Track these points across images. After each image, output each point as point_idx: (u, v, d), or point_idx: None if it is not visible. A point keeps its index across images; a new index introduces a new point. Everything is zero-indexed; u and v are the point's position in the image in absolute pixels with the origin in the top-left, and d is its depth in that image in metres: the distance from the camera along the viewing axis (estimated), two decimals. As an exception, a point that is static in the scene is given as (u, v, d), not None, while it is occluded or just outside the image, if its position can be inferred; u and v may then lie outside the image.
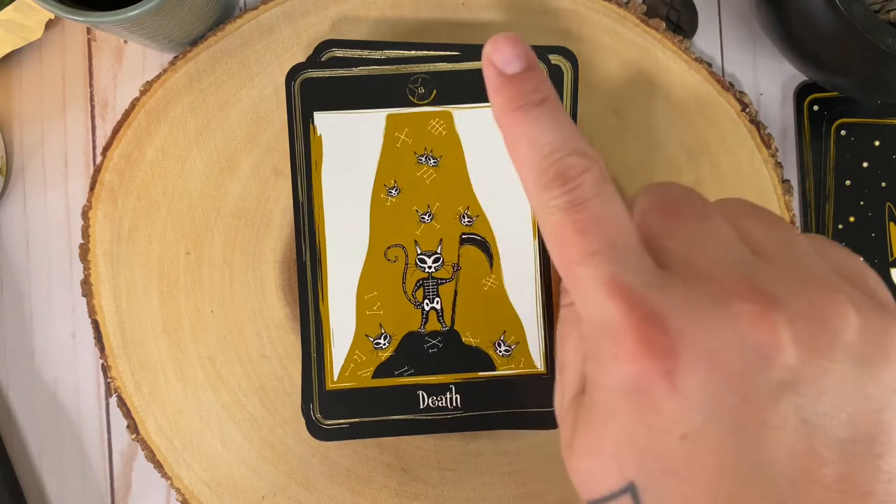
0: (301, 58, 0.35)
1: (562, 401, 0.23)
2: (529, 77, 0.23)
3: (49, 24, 0.38)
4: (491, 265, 0.34)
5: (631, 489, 0.20)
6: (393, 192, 0.34)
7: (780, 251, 0.21)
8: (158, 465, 0.35)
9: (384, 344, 0.33)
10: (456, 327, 0.33)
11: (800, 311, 0.19)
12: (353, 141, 0.33)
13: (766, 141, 0.35)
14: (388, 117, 0.34)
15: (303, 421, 0.34)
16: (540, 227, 0.22)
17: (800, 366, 0.19)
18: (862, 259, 0.23)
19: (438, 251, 0.34)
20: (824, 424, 0.19)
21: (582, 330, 0.22)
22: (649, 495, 0.20)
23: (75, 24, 0.37)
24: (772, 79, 0.39)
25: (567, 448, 0.22)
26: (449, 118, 0.34)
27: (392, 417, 0.33)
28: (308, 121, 0.33)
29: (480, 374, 0.33)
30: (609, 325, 0.20)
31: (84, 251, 0.35)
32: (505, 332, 0.33)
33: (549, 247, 0.21)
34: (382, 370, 0.33)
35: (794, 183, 0.39)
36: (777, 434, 0.19)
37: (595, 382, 0.21)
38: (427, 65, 0.33)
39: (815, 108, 0.39)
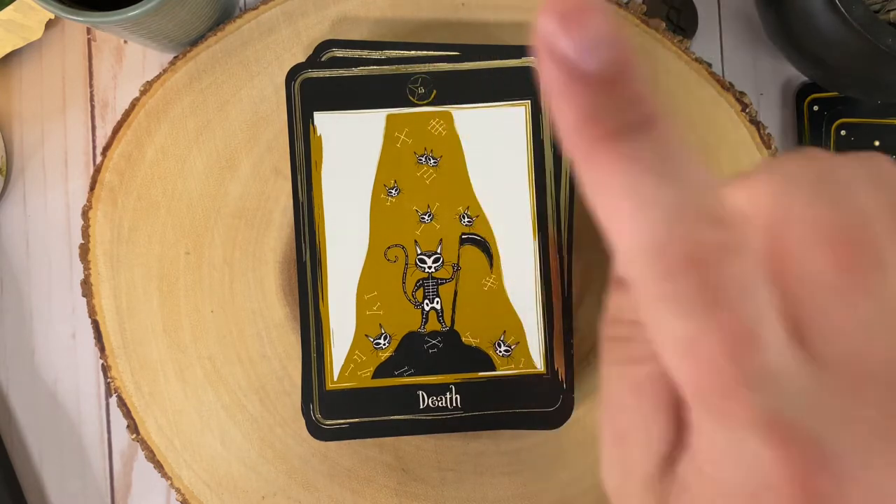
0: (301, 58, 0.35)
1: (624, 474, 0.18)
2: (626, 79, 0.14)
3: (49, 24, 0.38)
4: (491, 265, 0.34)
5: None
6: (393, 192, 0.34)
7: None
8: (158, 465, 0.35)
9: (384, 344, 0.33)
10: (456, 327, 0.33)
11: None
12: (353, 141, 0.33)
13: (766, 141, 0.35)
14: (388, 117, 0.34)
15: (303, 421, 0.34)
16: (646, 321, 0.15)
17: None
18: None
19: (438, 251, 0.34)
20: None
21: (707, 446, 0.16)
22: None
23: (75, 24, 0.37)
24: (772, 79, 0.39)
25: None
26: (449, 118, 0.34)
27: (392, 417, 0.33)
28: (308, 121, 0.33)
29: (480, 374, 0.33)
30: (767, 471, 0.15)
31: (84, 251, 0.35)
32: (505, 332, 0.33)
33: (665, 356, 0.15)
34: (382, 370, 0.33)
35: (794, 183, 0.39)
36: None
37: None
38: (427, 65, 0.33)
39: (815, 108, 0.39)
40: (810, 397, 0.14)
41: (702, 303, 0.14)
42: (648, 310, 0.15)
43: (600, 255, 0.35)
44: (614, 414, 0.19)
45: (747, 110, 0.35)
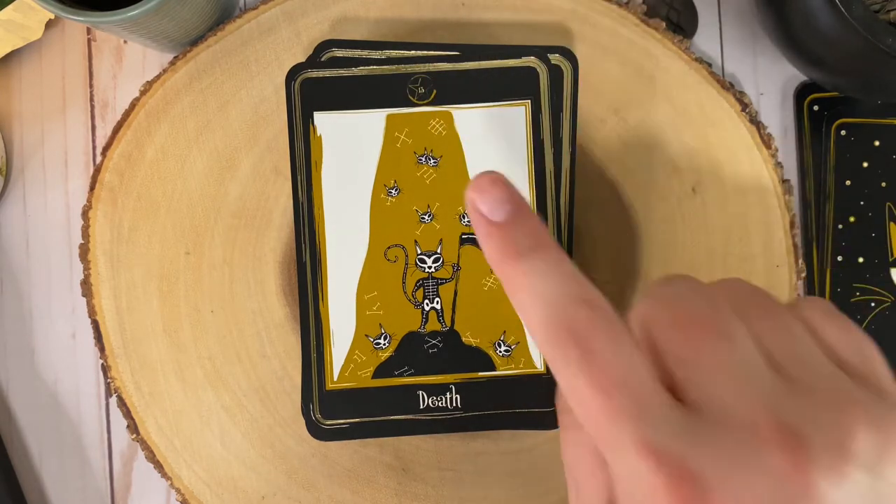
0: (301, 58, 0.35)
1: None
2: (519, 223, 0.22)
3: (49, 24, 0.38)
4: (491, 265, 0.34)
5: None
6: (393, 192, 0.34)
7: (787, 355, 0.22)
8: (158, 465, 0.35)
9: (384, 344, 0.33)
10: (456, 327, 0.33)
11: (823, 445, 0.20)
12: (353, 141, 0.33)
13: (766, 141, 0.35)
14: (388, 117, 0.34)
15: (303, 421, 0.34)
16: (557, 379, 0.20)
17: (828, 497, 0.19)
18: (860, 332, 0.23)
19: (438, 251, 0.34)
20: None
21: (615, 477, 0.21)
22: None
23: (75, 24, 0.37)
24: (772, 79, 0.39)
25: None
26: (449, 118, 0.34)
27: (392, 417, 0.33)
28: (308, 121, 0.33)
29: (480, 374, 0.33)
30: (644, 483, 0.19)
31: (84, 251, 0.35)
32: (505, 332, 0.33)
33: (569, 402, 0.20)
34: (382, 370, 0.33)
35: (794, 183, 0.39)
36: None
37: None
38: (427, 65, 0.33)
39: (815, 108, 0.39)
40: (680, 430, 0.19)
41: (580, 360, 0.20)
42: (552, 368, 0.21)
43: (600, 254, 0.35)
44: (570, 469, 0.23)
45: (747, 110, 0.35)
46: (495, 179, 0.22)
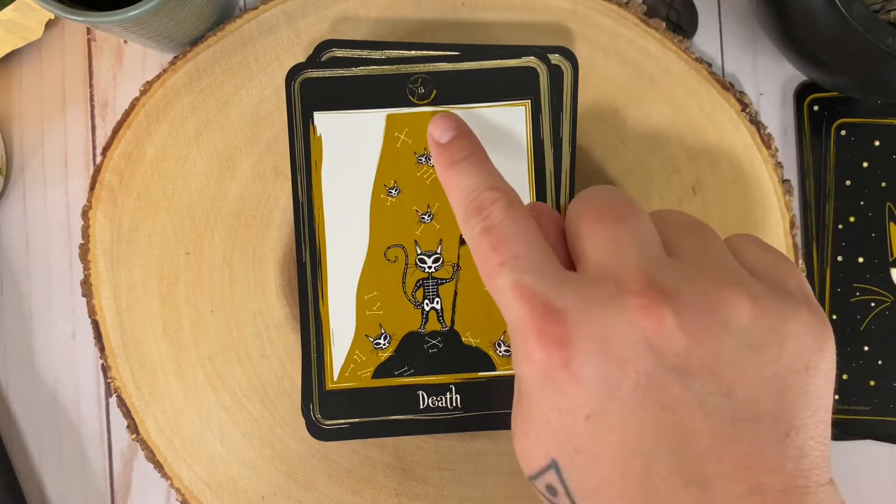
0: (301, 58, 0.35)
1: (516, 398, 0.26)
2: (457, 141, 0.29)
3: (49, 24, 0.38)
4: (491, 265, 0.33)
5: (554, 465, 0.22)
6: (393, 192, 0.34)
7: (694, 251, 0.24)
8: (158, 465, 0.35)
9: (384, 344, 0.33)
10: (456, 327, 0.34)
11: (690, 302, 0.22)
12: (353, 141, 0.33)
13: (766, 141, 0.35)
14: (388, 117, 0.34)
15: (303, 421, 0.34)
16: (471, 251, 0.26)
17: (688, 351, 0.21)
18: (780, 253, 0.25)
19: (438, 251, 0.34)
20: (722, 404, 0.21)
21: (508, 325, 0.25)
22: (568, 471, 0.22)
23: (75, 24, 0.37)
24: (772, 79, 0.39)
25: (512, 433, 0.25)
26: (449, 118, 0.33)
27: (392, 417, 0.33)
28: (308, 121, 0.33)
29: (480, 374, 0.33)
30: (519, 322, 0.23)
31: (84, 251, 0.35)
32: (505, 332, 0.33)
33: (479, 269, 0.25)
34: (382, 370, 0.33)
35: (794, 183, 0.39)
36: (673, 414, 0.21)
37: (518, 375, 0.24)
38: (427, 65, 0.33)
39: (815, 108, 0.39)
40: (553, 280, 0.23)
41: (483, 229, 0.25)
42: (468, 243, 0.26)
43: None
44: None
45: (747, 110, 0.35)
46: (447, 115, 0.30)
